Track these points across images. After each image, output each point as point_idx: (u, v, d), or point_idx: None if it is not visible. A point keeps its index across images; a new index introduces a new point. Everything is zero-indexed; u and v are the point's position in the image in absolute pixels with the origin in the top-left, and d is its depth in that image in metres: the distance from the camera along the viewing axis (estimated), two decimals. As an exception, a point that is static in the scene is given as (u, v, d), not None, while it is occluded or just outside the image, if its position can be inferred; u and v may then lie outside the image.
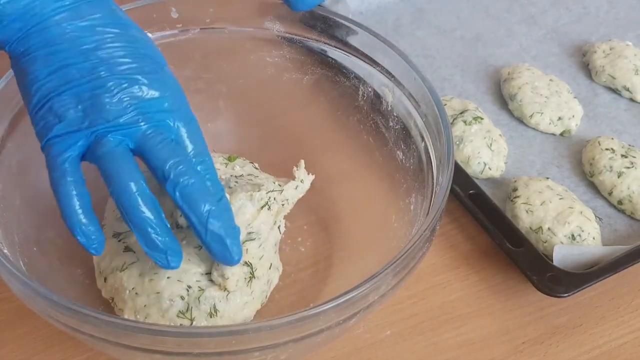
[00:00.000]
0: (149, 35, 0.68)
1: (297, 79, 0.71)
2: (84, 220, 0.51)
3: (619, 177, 0.73)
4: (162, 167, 0.52)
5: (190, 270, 0.58)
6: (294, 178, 0.63)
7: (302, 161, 0.63)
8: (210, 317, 0.57)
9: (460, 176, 0.72)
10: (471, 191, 0.71)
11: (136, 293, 0.57)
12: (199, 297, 0.57)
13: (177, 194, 0.52)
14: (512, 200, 0.72)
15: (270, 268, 0.60)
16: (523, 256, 0.66)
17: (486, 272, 0.69)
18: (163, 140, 0.53)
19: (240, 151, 0.69)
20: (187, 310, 0.57)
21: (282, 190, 0.62)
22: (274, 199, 0.62)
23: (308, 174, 0.63)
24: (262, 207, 0.60)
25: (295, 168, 0.63)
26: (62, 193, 0.52)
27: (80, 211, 0.51)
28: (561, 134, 0.81)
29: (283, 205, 0.62)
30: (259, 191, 0.61)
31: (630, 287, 0.69)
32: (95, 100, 0.52)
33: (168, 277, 0.57)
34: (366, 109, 0.68)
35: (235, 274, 0.57)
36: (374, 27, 0.68)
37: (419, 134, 0.63)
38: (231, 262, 0.54)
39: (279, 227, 0.62)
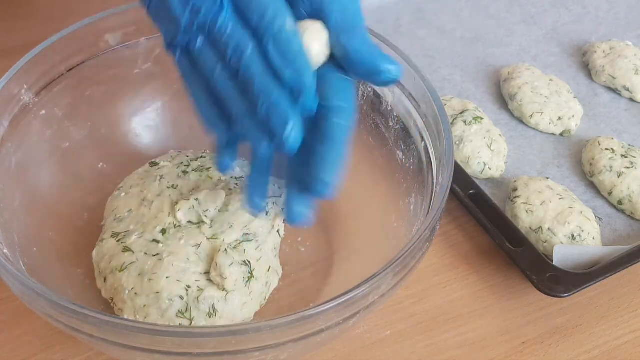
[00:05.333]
0: (148, 37, 0.68)
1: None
2: None
3: (619, 177, 0.73)
4: (225, 59, 0.51)
5: (189, 270, 0.58)
6: None
7: None
8: (209, 317, 0.57)
9: (460, 176, 0.72)
10: (471, 191, 0.72)
11: (135, 293, 0.57)
12: (197, 297, 0.57)
13: (240, 86, 0.51)
14: (512, 200, 0.72)
15: (269, 270, 0.60)
16: (523, 256, 0.66)
17: (486, 272, 0.69)
18: (221, 26, 0.51)
19: (240, 151, 0.69)
20: (186, 310, 0.57)
21: (281, 195, 0.62)
22: (274, 203, 0.62)
23: None
24: None
25: None
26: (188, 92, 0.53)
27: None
28: (561, 134, 0.81)
29: (283, 209, 0.62)
30: None
31: (630, 287, 0.69)
32: (167, 6, 0.51)
33: (167, 277, 0.57)
34: (366, 109, 0.68)
35: (233, 273, 0.57)
36: (374, 27, 0.68)
37: (419, 134, 0.63)
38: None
39: (278, 231, 0.62)
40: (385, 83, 0.52)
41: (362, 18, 0.52)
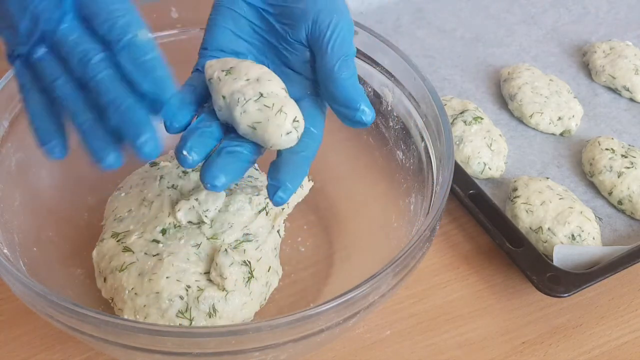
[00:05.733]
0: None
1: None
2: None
3: (619, 177, 0.73)
4: (70, 68, 0.47)
5: (189, 270, 0.58)
6: None
7: None
8: (209, 317, 0.57)
9: (460, 176, 0.72)
10: (471, 191, 0.72)
11: (135, 293, 0.57)
12: (197, 297, 0.57)
13: (89, 94, 0.47)
14: (512, 200, 0.72)
15: (269, 271, 0.60)
16: (523, 256, 0.66)
17: (486, 272, 0.69)
18: (62, 34, 0.48)
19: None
20: (186, 310, 0.57)
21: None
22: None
23: (309, 180, 0.63)
24: (259, 212, 0.61)
25: None
26: (24, 104, 0.49)
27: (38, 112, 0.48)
28: (561, 134, 0.81)
29: (283, 209, 0.62)
30: (257, 195, 0.61)
31: (630, 287, 0.69)
32: (5, 13, 0.47)
33: (167, 277, 0.57)
34: (366, 109, 0.68)
35: (233, 273, 0.57)
36: (374, 27, 0.68)
37: (419, 134, 0.63)
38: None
39: (278, 231, 0.62)
40: (354, 122, 0.54)
41: (354, 50, 0.55)
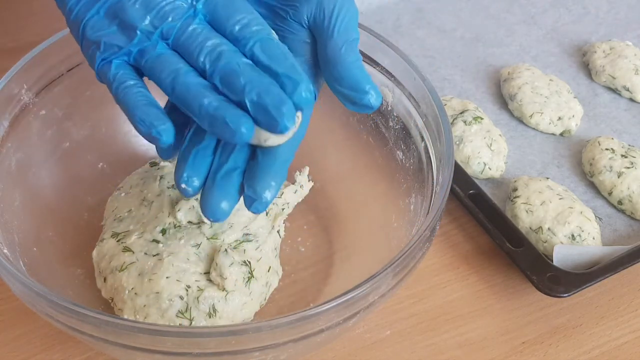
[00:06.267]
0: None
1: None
2: (145, 111, 0.49)
3: (619, 177, 0.73)
4: (197, 60, 0.50)
5: (189, 270, 0.58)
6: (293, 182, 0.63)
7: (307, 168, 0.63)
8: (209, 317, 0.57)
9: (460, 176, 0.72)
10: (471, 191, 0.72)
11: (135, 293, 0.57)
12: (197, 297, 0.57)
13: (217, 81, 0.49)
14: (512, 200, 0.72)
15: (269, 271, 0.60)
16: (523, 256, 0.66)
17: (486, 272, 0.69)
18: (194, 30, 0.51)
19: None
20: (186, 310, 0.57)
21: (281, 194, 0.62)
22: (274, 203, 0.62)
23: (309, 180, 0.63)
24: None
25: (298, 172, 0.63)
26: (124, 97, 0.50)
27: (142, 102, 0.49)
28: (561, 134, 0.81)
29: (283, 209, 0.62)
30: None
31: (630, 287, 0.69)
32: (121, 14, 0.50)
33: (167, 277, 0.57)
34: (366, 109, 0.68)
35: (233, 273, 0.57)
36: (374, 27, 0.68)
37: (419, 134, 0.63)
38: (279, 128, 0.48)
39: (278, 232, 0.62)
40: (361, 106, 0.52)
41: (358, 35, 0.54)
